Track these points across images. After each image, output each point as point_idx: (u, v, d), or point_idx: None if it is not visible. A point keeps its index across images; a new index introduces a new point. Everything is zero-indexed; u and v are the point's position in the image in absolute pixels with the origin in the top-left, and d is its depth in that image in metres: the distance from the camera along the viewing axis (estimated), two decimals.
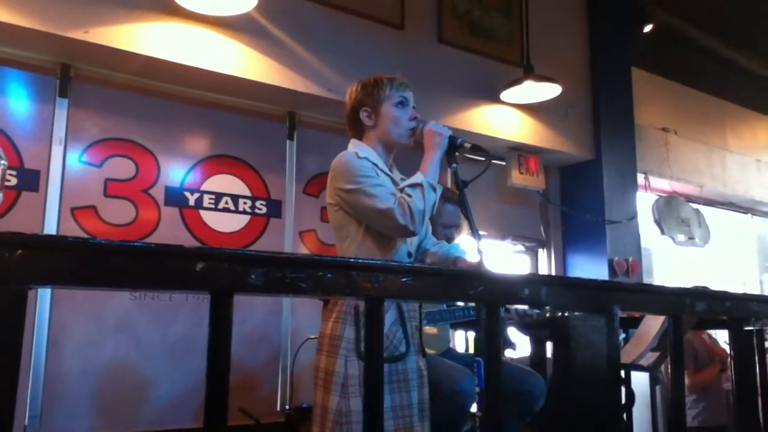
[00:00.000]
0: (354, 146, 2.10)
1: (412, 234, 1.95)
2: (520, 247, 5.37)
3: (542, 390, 2.58)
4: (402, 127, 2.09)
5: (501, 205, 5.14)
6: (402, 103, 2.10)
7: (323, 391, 1.95)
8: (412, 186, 1.96)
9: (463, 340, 3.70)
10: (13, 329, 0.77)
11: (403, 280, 1.14)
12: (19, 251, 0.78)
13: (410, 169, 2.09)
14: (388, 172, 2.09)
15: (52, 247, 0.82)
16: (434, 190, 1.99)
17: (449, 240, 2.92)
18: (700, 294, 1.69)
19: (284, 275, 0.99)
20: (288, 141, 4.12)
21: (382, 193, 1.92)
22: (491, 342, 1.25)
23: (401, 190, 1.96)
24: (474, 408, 2.31)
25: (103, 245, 0.84)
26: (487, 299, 1.25)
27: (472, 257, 2.34)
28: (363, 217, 1.99)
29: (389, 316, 1.95)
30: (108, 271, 0.86)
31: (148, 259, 0.89)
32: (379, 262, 1.16)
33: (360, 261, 1.11)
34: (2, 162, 1.21)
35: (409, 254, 2.09)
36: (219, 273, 0.93)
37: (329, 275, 1.05)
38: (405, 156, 2.30)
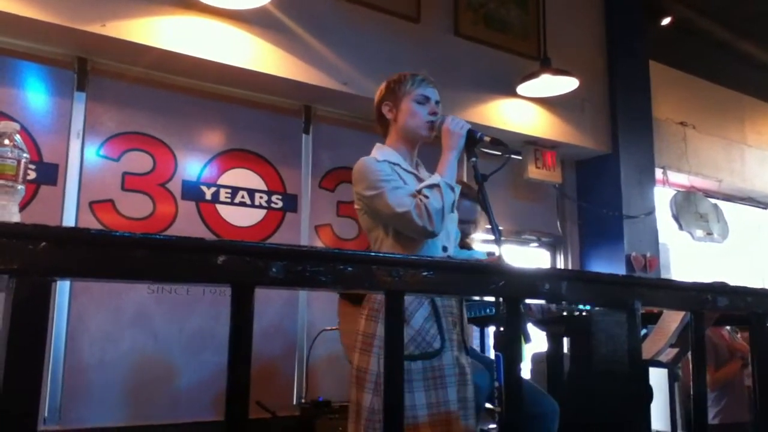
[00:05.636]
0: (376, 150, 2.14)
1: (432, 234, 1.96)
2: (537, 244, 5.34)
3: (556, 412, 2.49)
4: (419, 120, 2.12)
5: (517, 199, 5.11)
6: (421, 101, 2.13)
7: (357, 389, 1.96)
8: (430, 187, 1.98)
9: (477, 336, 3.69)
10: (37, 321, 0.78)
11: (424, 274, 1.13)
12: (43, 243, 0.78)
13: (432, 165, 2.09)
14: (413, 170, 2.11)
15: (75, 240, 0.82)
16: (452, 189, 2.01)
17: (465, 236, 2.91)
18: (722, 289, 1.66)
19: (305, 269, 0.99)
20: (304, 135, 4.11)
21: (399, 197, 1.94)
22: (511, 337, 1.25)
23: (419, 192, 1.97)
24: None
25: (126, 238, 0.84)
26: (508, 294, 1.24)
27: (493, 260, 2.32)
28: (384, 221, 2.01)
29: (422, 312, 1.95)
30: (130, 264, 0.86)
31: (170, 252, 0.89)
32: (399, 256, 1.15)
33: (380, 255, 1.11)
34: (24, 155, 1.21)
35: (444, 248, 2.09)
36: (240, 266, 0.93)
37: (349, 269, 1.04)
38: (428, 153, 2.29)
